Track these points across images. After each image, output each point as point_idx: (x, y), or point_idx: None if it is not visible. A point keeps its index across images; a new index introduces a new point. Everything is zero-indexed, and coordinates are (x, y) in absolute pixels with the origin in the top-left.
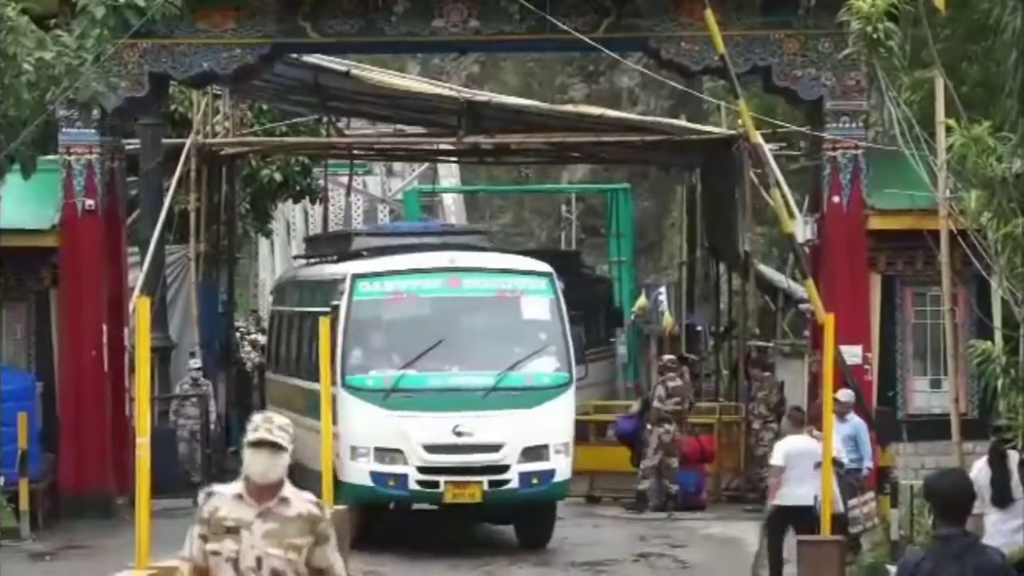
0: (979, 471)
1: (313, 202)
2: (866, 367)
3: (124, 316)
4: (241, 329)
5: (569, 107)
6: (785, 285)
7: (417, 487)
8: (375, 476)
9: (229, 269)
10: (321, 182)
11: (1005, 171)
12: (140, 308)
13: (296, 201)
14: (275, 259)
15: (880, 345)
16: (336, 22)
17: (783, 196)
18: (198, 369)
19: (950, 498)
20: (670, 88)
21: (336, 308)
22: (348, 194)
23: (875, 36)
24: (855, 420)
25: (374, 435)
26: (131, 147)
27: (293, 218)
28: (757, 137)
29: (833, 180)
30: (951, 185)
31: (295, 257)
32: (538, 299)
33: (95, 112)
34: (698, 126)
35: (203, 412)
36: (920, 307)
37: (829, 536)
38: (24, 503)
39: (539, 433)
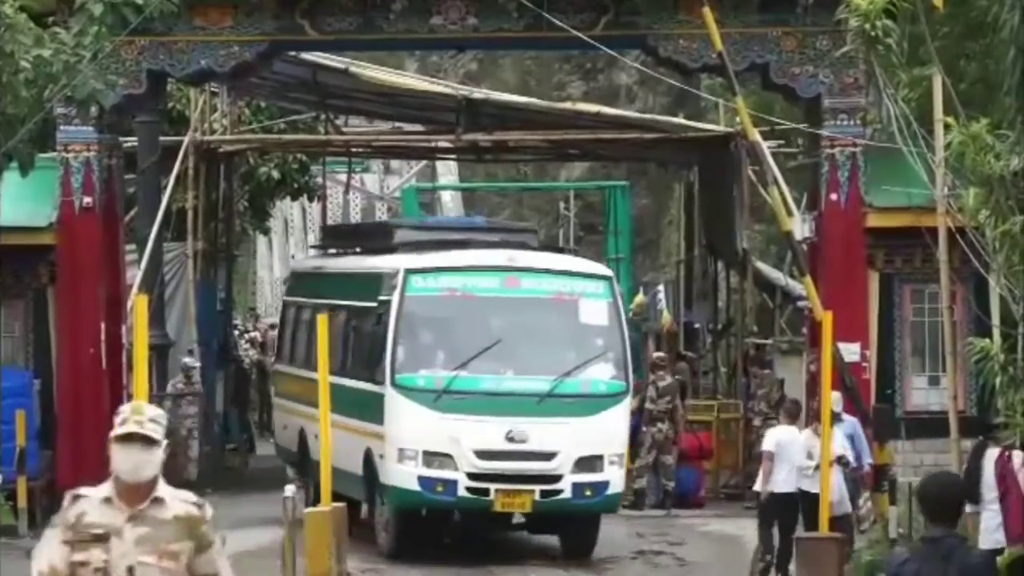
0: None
1: (311, 200)
2: (864, 364)
3: (122, 314)
4: (239, 327)
5: (567, 104)
6: (783, 283)
7: (466, 494)
8: (422, 481)
9: (227, 267)
10: (319, 180)
11: (1003, 169)
12: (138, 306)
13: (294, 199)
14: (273, 257)
15: (878, 342)
16: (334, 19)
17: (781, 194)
18: (192, 367)
19: (939, 500)
20: (668, 86)
21: (384, 303)
22: (346, 192)
23: (873, 34)
24: (850, 419)
25: (423, 438)
26: (129, 145)
27: (291, 216)
28: (755, 135)
29: (831, 178)
30: (949, 183)
31: (312, 247)
32: (596, 303)
33: (93, 110)
34: (696, 124)
35: (201, 410)
36: (918, 304)
37: (828, 533)
38: (22, 501)
39: (594, 443)
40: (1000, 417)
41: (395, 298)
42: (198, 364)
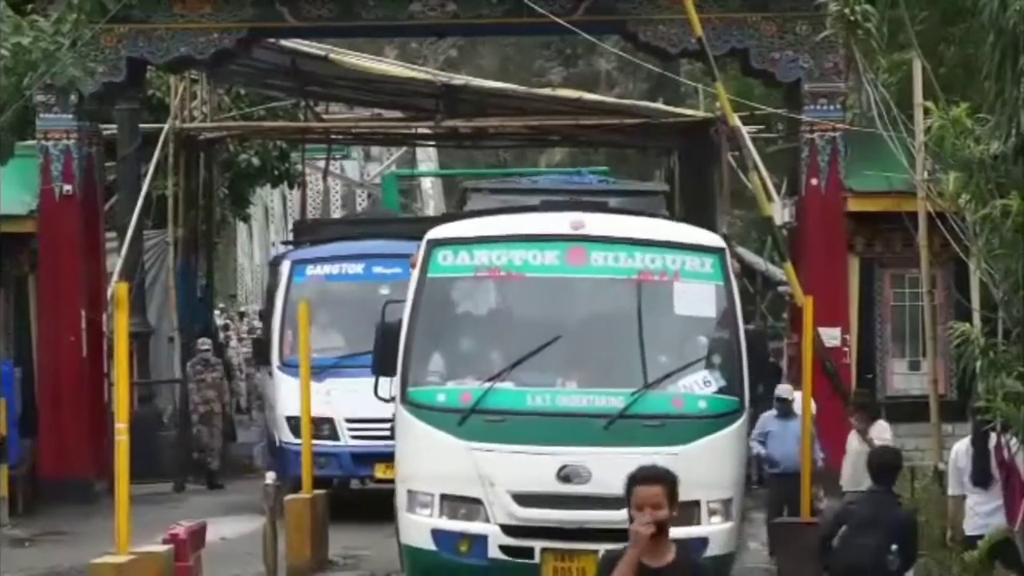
0: (958, 452)
1: (291, 187)
2: (845, 349)
3: (103, 302)
4: (226, 321)
5: (547, 90)
6: (763, 268)
7: (500, 555)
8: (438, 536)
9: (208, 254)
10: (300, 167)
11: (983, 153)
12: (119, 293)
13: (274, 186)
14: (253, 244)
15: (859, 327)
16: (313, 6)
17: (761, 179)
18: (206, 350)
19: (881, 466)
20: (648, 71)
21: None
22: (324, 178)
23: (853, 18)
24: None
25: (441, 476)
26: (109, 132)
27: (271, 203)
28: (735, 120)
29: (811, 162)
30: (929, 167)
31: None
32: (699, 285)
33: (72, 97)
34: (676, 109)
35: (181, 397)
36: (898, 289)
37: (806, 518)
38: (3, 489)
39: (687, 484)
40: (980, 401)
41: (413, 280)
42: (207, 346)
